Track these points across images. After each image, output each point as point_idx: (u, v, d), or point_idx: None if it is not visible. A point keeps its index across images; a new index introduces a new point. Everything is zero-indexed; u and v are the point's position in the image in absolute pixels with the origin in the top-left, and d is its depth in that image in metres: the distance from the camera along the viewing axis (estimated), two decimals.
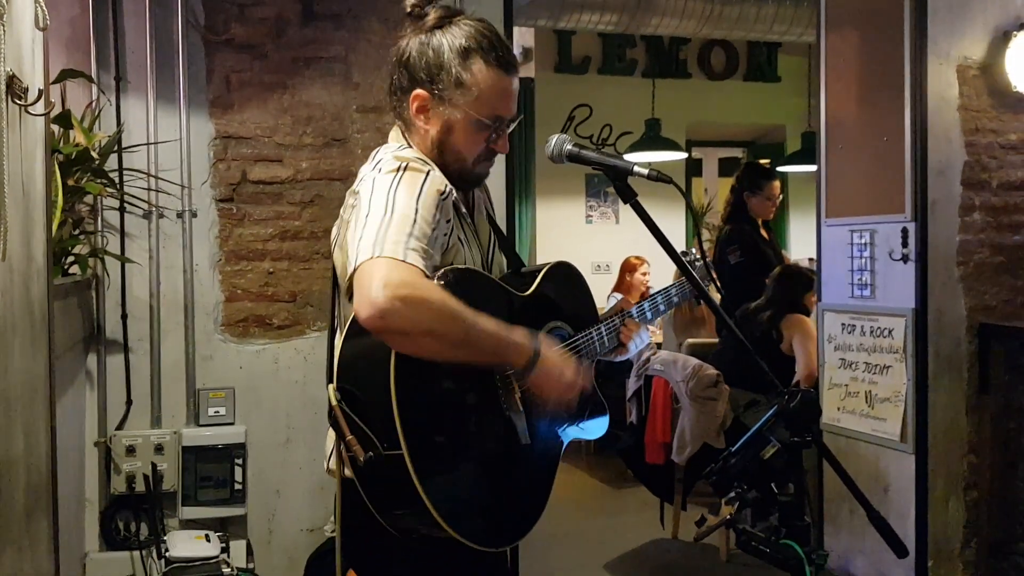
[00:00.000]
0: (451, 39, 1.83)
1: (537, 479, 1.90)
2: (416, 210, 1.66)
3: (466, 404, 1.74)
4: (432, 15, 1.87)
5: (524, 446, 1.82)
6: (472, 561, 1.80)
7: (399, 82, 1.88)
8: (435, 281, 1.65)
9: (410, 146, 1.89)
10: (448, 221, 1.76)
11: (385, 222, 1.63)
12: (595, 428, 2.14)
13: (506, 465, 1.81)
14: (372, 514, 1.73)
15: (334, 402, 1.69)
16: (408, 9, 1.90)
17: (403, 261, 1.58)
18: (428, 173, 1.75)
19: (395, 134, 1.94)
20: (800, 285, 5.02)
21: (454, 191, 1.80)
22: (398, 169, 1.73)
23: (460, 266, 1.77)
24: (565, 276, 2.06)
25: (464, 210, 1.90)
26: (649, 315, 2.17)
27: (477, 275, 1.83)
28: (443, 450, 1.70)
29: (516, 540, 1.88)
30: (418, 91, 1.84)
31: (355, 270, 1.61)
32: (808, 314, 5.03)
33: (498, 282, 1.90)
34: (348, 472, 1.71)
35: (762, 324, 4.93)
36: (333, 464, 1.82)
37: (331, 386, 1.71)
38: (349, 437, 1.66)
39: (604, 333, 2.04)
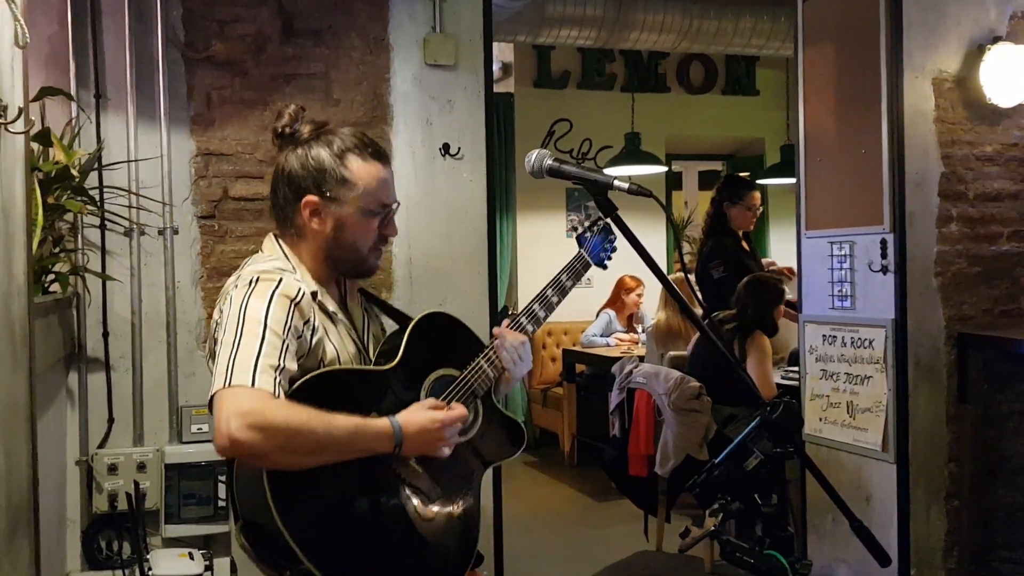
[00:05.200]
0: (326, 146, 1.99)
1: (463, 518, 2.04)
2: (265, 325, 1.79)
3: (355, 496, 1.83)
4: (305, 130, 2.02)
5: (437, 500, 1.95)
6: None
7: (285, 195, 2.01)
8: (287, 397, 1.76)
9: (284, 252, 2.02)
10: (307, 322, 1.88)
11: (235, 346, 1.76)
12: (508, 447, 2.21)
13: (424, 526, 1.92)
14: None
15: (239, 543, 1.84)
16: (279, 131, 2.03)
17: (250, 387, 1.71)
18: (279, 281, 1.87)
19: (268, 243, 2.06)
20: (770, 298, 5.02)
21: (309, 293, 1.92)
22: (251, 283, 1.87)
23: (316, 372, 1.86)
24: (433, 325, 2.12)
25: (332, 307, 2.01)
26: (530, 328, 2.17)
27: (335, 375, 1.92)
28: (350, 549, 1.80)
29: (466, 567, 2.02)
30: (308, 198, 1.98)
31: (211, 399, 1.74)
32: (776, 327, 5.04)
33: (362, 370, 2.00)
34: None
35: (726, 338, 4.93)
36: None
37: (238, 525, 1.86)
38: (264, 570, 1.82)
39: (484, 361, 2.09)
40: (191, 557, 3.43)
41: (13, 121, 2.03)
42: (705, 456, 4.59)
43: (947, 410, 3.86)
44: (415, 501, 1.90)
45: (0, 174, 2.01)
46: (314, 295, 1.95)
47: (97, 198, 3.49)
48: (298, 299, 1.86)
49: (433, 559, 1.94)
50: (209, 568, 3.43)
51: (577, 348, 7.53)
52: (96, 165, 3.48)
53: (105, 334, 3.58)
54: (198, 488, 3.57)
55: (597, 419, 6.64)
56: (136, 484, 3.53)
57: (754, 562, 1.69)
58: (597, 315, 7.62)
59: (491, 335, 2.14)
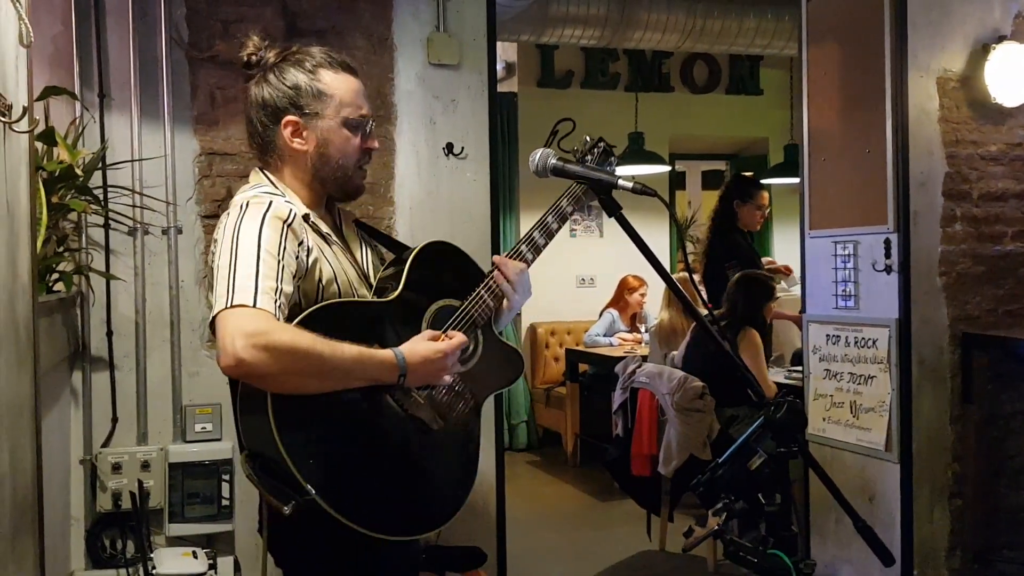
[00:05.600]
0: (296, 64, 2.00)
1: (464, 446, 2.06)
2: (259, 247, 1.79)
3: (358, 426, 1.85)
4: (270, 55, 2.03)
5: (439, 429, 1.95)
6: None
7: (261, 121, 2.02)
8: (293, 322, 1.77)
9: (270, 180, 2.02)
10: (301, 243, 1.88)
11: (233, 268, 1.77)
12: (508, 374, 2.22)
13: (426, 454, 1.94)
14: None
15: (245, 472, 1.85)
16: (246, 59, 2.04)
17: (253, 307, 1.72)
18: (269, 204, 1.87)
19: (254, 175, 2.06)
20: (761, 294, 5.02)
21: (300, 215, 1.92)
22: (241, 207, 1.88)
23: (319, 304, 1.87)
24: (436, 254, 2.13)
25: (326, 229, 2.01)
26: (530, 255, 2.18)
27: (338, 306, 1.91)
28: (352, 477, 1.82)
29: (464, 500, 2.02)
30: (287, 118, 1.98)
31: (213, 320, 1.75)
32: (766, 324, 5.04)
33: (364, 303, 1.99)
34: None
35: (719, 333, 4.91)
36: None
37: (243, 455, 1.86)
38: (267, 496, 1.81)
39: (485, 291, 2.11)
40: (195, 556, 3.43)
41: (17, 120, 2.03)
42: (708, 456, 4.59)
43: (951, 410, 3.86)
44: (417, 430, 1.92)
45: (4, 173, 2.01)
46: (306, 217, 1.95)
47: (101, 197, 3.49)
48: (290, 220, 1.87)
49: (436, 485, 1.97)
50: (213, 567, 3.44)
51: (580, 348, 7.53)
52: (100, 164, 3.48)
53: (109, 333, 3.59)
54: (202, 487, 3.58)
55: (600, 419, 6.64)
56: (140, 483, 3.53)
57: (758, 561, 1.69)
58: (600, 315, 7.62)
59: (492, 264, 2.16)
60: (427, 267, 2.07)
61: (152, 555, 3.45)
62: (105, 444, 3.59)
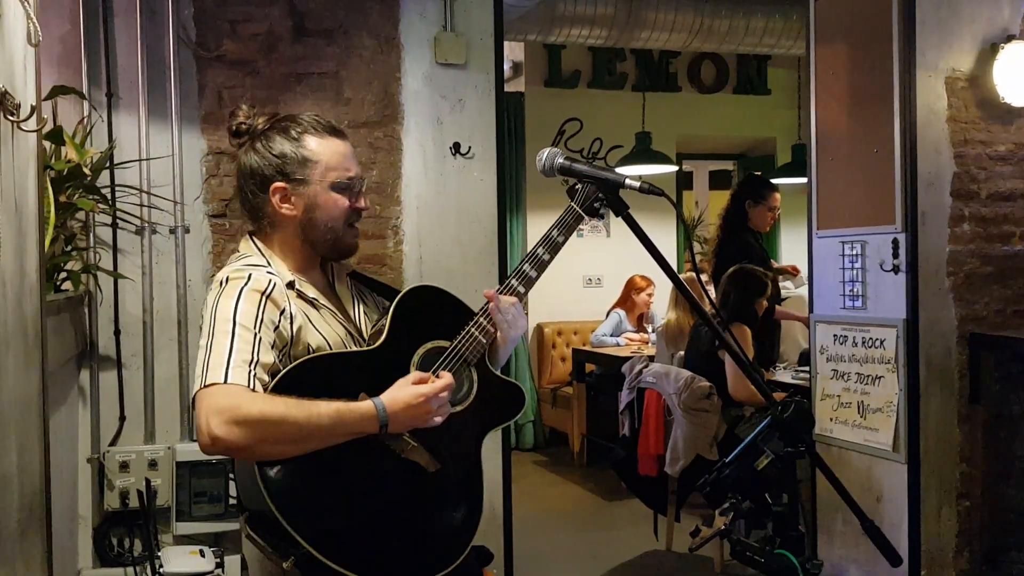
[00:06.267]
0: (281, 132, 2.02)
1: (464, 487, 2.03)
2: (234, 322, 1.82)
3: (349, 474, 1.84)
4: (259, 121, 2.05)
5: (437, 472, 1.93)
6: None
7: (251, 189, 2.04)
8: (272, 390, 1.78)
9: (259, 248, 2.04)
10: (283, 311, 1.90)
11: (209, 348, 1.80)
12: (509, 409, 2.18)
13: (425, 498, 1.93)
14: None
15: (245, 532, 1.87)
16: (234, 128, 2.06)
17: (225, 383, 1.74)
18: (248, 277, 1.90)
19: (244, 243, 2.09)
20: (753, 288, 5.01)
21: (284, 283, 1.94)
22: (221, 284, 1.91)
23: (297, 361, 1.87)
24: (419, 298, 2.09)
25: (312, 294, 2.02)
26: (521, 289, 2.11)
27: (317, 361, 1.90)
28: (350, 529, 1.81)
29: (468, 544, 1.99)
30: (275, 185, 2.01)
31: (192, 400, 1.79)
32: (756, 318, 5.02)
33: (345, 354, 1.98)
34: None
35: (709, 334, 4.89)
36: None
37: (243, 516, 1.91)
38: (267, 554, 1.82)
39: (475, 328, 2.06)
40: (202, 554, 3.44)
41: (26, 119, 2.03)
42: (715, 456, 4.58)
43: (958, 411, 3.85)
44: (413, 474, 1.90)
45: (13, 172, 2.01)
46: (290, 284, 1.97)
47: (109, 197, 3.50)
48: (269, 291, 1.89)
49: (437, 529, 1.94)
50: (220, 565, 3.44)
51: (587, 348, 7.52)
52: (108, 164, 3.49)
53: (117, 332, 3.60)
54: (209, 486, 3.58)
55: (607, 419, 6.63)
56: (147, 481, 3.54)
57: (764, 561, 1.69)
58: (607, 315, 7.61)
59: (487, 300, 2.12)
60: (412, 311, 2.04)
61: (159, 553, 3.46)
62: (113, 443, 3.60)
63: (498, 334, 2.08)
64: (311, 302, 2.00)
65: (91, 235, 3.54)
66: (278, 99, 3.72)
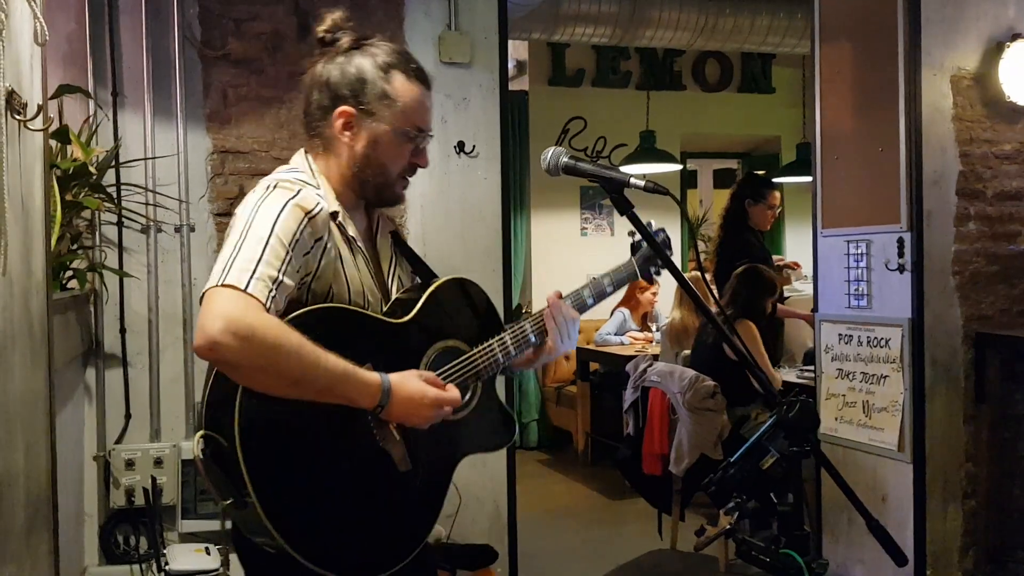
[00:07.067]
0: (371, 57, 1.90)
1: (425, 498, 1.90)
2: (271, 231, 1.68)
3: (325, 445, 1.72)
4: (345, 39, 1.92)
5: (406, 472, 1.81)
6: None
7: (320, 102, 1.90)
8: (288, 317, 1.66)
9: (311, 167, 1.91)
10: (319, 239, 1.77)
11: (238, 246, 1.66)
12: (499, 438, 2.10)
13: (384, 495, 1.80)
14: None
15: (196, 453, 1.69)
16: (320, 35, 1.94)
17: (244, 291, 1.60)
18: (298, 192, 1.76)
19: (297, 157, 1.96)
20: (764, 288, 5.02)
21: (329, 210, 1.81)
22: (267, 188, 1.77)
23: (323, 305, 1.77)
24: (457, 293, 2.02)
25: (352, 233, 1.89)
26: (590, 300, 2.10)
27: (341, 312, 1.80)
28: (300, 494, 1.68)
29: (406, 559, 1.83)
30: (343, 108, 1.87)
31: (203, 294, 1.64)
32: (765, 316, 5.03)
33: (368, 315, 1.85)
34: None
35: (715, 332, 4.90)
36: None
37: (198, 434, 1.70)
38: (208, 486, 1.69)
39: (498, 344, 1.99)
40: (207, 552, 3.44)
41: (32, 118, 2.04)
42: (720, 455, 4.58)
43: (964, 410, 3.84)
44: (383, 466, 1.78)
45: (19, 171, 2.02)
46: (334, 215, 1.84)
47: (114, 195, 3.51)
48: (314, 212, 1.75)
49: (383, 529, 1.81)
50: (225, 563, 3.44)
51: (591, 346, 7.51)
52: (113, 162, 3.50)
53: (122, 330, 3.60)
54: None
55: (611, 417, 6.63)
56: (153, 479, 3.55)
57: (770, 561, 1.68)
58: (611, 313, 7.60)
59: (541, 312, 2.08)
60: (446, 302, 1.97)
61: (165, 551, 3.47)
62: (118, 441, 3.61)
63: (547, 342, 2.06)
64: (349, 241, 1.87)
65: (97, 234, 3.55)
66: (283, 98, 3.73)
